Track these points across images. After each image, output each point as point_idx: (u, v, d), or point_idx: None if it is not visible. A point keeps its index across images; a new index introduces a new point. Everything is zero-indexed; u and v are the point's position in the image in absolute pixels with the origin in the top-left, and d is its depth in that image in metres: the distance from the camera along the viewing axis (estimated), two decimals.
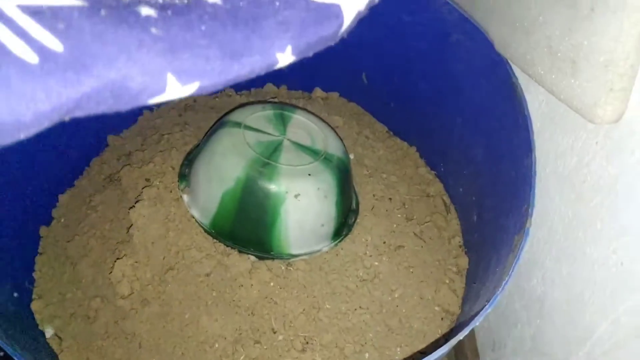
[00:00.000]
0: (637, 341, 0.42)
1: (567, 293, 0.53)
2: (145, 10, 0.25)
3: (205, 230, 0.68)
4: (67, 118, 0.24)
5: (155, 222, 0.67)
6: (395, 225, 0.78)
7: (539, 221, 0.60)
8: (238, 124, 0.70)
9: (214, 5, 0.27)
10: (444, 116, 0.83)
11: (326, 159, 0.71)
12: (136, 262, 0.65)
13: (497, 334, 0.71)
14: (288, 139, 0.71)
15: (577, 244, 0.51)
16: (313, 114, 0.80)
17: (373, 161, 0.89)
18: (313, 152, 0.71)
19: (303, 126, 0.75)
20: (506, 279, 0.48)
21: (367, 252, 0.73)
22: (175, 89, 0.25)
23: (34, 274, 0.69)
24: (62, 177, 0.78)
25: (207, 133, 0.75)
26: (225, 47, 0.26)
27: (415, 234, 0.79)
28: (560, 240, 0.55)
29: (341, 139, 0.78)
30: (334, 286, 0.69)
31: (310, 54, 0.30)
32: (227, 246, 0.68)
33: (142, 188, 0.71)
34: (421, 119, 0.89)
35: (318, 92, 1.00)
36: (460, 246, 0.80)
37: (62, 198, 0.77)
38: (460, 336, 0.45)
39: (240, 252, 0.67)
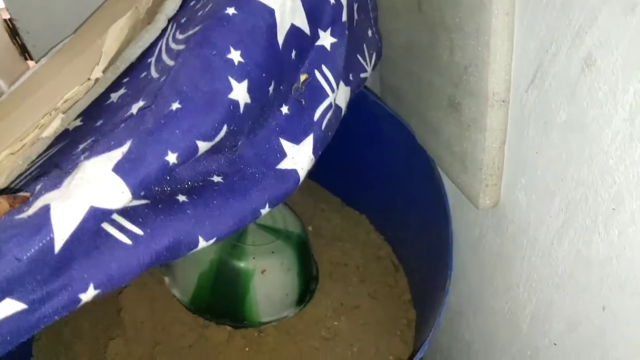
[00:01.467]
0: None
1: (482, 338, 0.66)
2: (181, 197, 0.41)
3: (186, 307, 0.79)
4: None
5: (142, 303, 0.78)
6: (350, 288, 0.91)
7: (461, 279, 0.74)
8: None
9: (218, 183, 0.44)
10: (383, 190, 0.98)
11: (287, 236, 0.84)
12: (127, 340, 0.75)
13: None
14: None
15: (484, 298, 0.65)
16: None
17: (329, 231, 1.03)
18: (275, 231, 0.84)
19: None
20: (432, 330, 0.61)
21: (328, 313, 0.85)
22: (203, 244, 0.41)
23: (31, 359, 0.77)
24: None
25: None
26: (229, 214, 0.42)
27: (369, 294, 0.92)
28: (475, 295, 0.68)
29: (298, 216, 0.92)
30: (300, 347, 0.80)
31: (280, 203, 0.47)
32: (206, 319, 0.79)
33: None
34: (367, 191, 1.04)
35: None
36: (409, 301, 0.93)
37: None
38: None
39: (217, 324, 0.78)
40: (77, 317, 0.80)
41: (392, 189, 0.95)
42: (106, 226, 0.37)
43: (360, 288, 0.92)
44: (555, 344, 0.49)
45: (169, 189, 0.41)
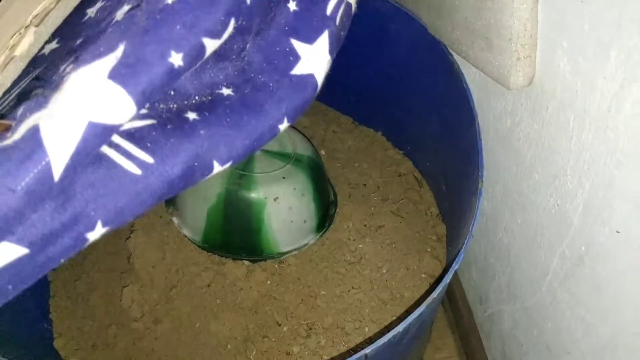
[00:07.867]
0: (580, 268, 0.48)
1: (525, 239, 0.59)
2: (191, 115, 0.36)
3: (199, 246, 0.74)
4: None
5: (152, 247, 0.72)
6: (373, 208, 0.85)
7: (494, 179, 0.66)
8: None
9: (229, 97, 0.39)
10: (399, 99, 0.89)
11: (297, 160, 0.77)
12: (142, 286, 0.71)
13: (481, 288, 0.78)
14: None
15: (524, 194, 0.57)
16: None
17: (344, 153, 0.95)
18: (284, 156, 0.77)
19: None
20: (467, 238, 0.54)
21: (351, 237, 0.79)
22: (218, 169, 0.37)
23: (50, 316, 0.74)
24: None
25: None
26: (244, 133, 0.38)
27: (392, 212, 0.85)
28: (512, 193, 0.61)
29: (308, 139, 0.84)
30: (325, 273, 0.75)
31: (298, 116, 0.42)
32: (222, 256, 0.74)
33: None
34: (381, 104, 0.95)
35: None
36: (437, 215, 0.87)
37: None
38: (435, 294, 0.51)
39: (234, 259, 0.73)
40: (89, 270, 0.76)
41: (407, 97, 0.86)
42: (111, 154, 0.32)
43: (382, 207, 0.85)
44: (618, 232, 0.42)
45: (175, 105, 0.36)
